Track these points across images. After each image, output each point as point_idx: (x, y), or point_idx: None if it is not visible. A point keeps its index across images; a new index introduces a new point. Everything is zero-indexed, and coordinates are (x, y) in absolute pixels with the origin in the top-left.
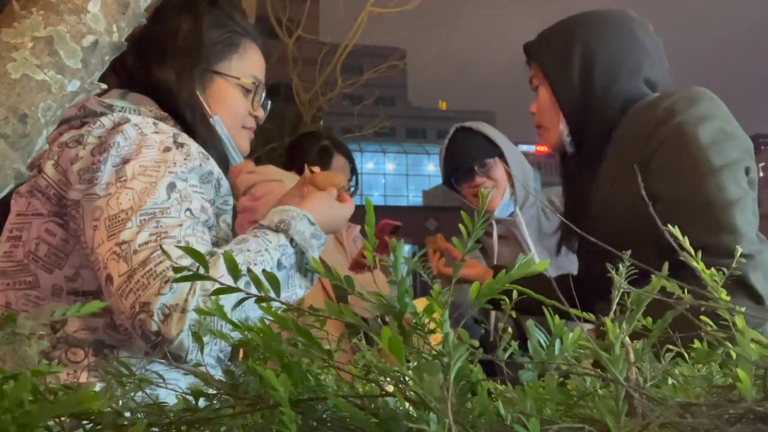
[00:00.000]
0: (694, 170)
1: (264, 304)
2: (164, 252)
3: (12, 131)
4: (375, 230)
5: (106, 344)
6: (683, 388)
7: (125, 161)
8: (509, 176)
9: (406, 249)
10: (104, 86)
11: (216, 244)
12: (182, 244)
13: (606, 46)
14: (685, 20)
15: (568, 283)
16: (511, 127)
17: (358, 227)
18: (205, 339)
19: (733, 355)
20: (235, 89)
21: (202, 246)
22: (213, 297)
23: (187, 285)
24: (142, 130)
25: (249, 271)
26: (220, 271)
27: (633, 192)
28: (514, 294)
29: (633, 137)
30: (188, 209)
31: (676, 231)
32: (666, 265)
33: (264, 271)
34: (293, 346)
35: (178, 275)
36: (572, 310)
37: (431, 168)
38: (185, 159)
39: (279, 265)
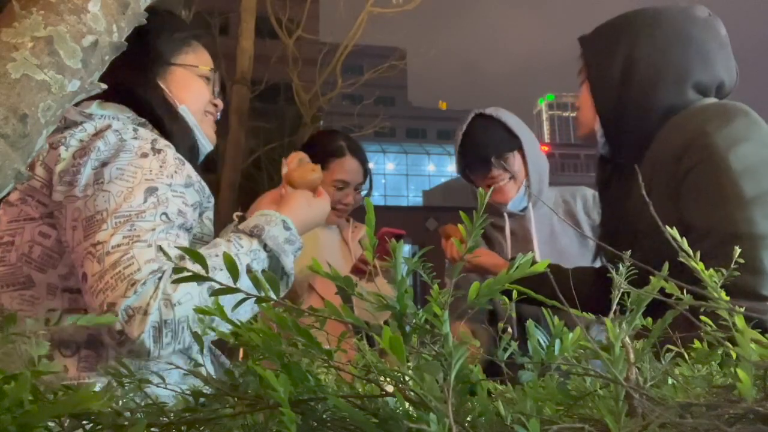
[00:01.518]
0: (724, 201)
1: (263, 304)
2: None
3: (12, 131)
4: (377, 237)
5: (98, 340)
6: (683, 388)
7: (103, 164)
8: (527, 171)
9: (406, 249)
10: (104, 86)
11: (200, 239)
12: (153, 247)
13: (652, 50)
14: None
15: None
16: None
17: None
18: (167, 339)
19: (733, 355)
20: (196, 78)
21: (174, 249)
22: (176, 301)
23: (150, 289)
24: (122, 135)
25: (209, 276)
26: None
27: (665, 216)
28: (514, 294)
29: (665, 154)
30: (164, 213)
31: (697, 260)
32: (666, 266)
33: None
34: (293, 346)
35: (178, 276)
36: (573, 311)
37: (431, 168)
38: (161, 166)
39: (249, 270)
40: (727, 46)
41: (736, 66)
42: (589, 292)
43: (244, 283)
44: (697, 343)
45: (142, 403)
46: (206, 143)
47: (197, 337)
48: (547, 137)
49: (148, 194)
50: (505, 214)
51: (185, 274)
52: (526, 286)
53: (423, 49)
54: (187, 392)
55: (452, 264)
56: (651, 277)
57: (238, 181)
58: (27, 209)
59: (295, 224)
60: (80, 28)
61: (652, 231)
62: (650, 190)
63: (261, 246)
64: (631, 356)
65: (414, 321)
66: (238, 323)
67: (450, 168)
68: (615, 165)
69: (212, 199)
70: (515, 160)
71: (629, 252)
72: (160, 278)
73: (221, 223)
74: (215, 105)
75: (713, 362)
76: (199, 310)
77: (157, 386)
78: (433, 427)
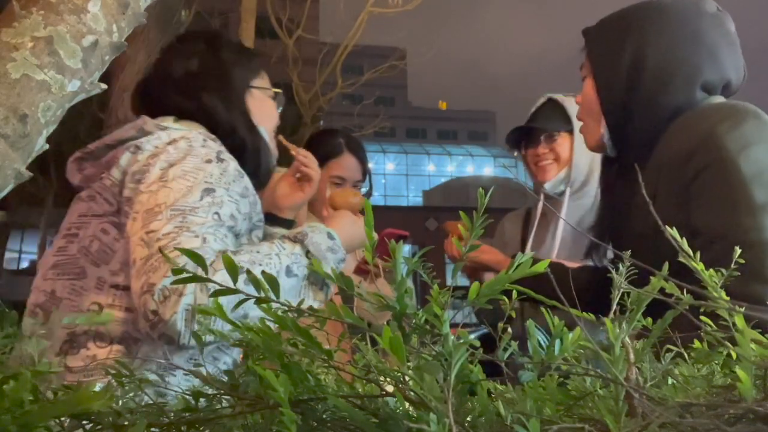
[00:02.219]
0: (734, 207)
1: (264, 305)
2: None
3: (12, 131)
4: (379, 238)
5: (131, 337)
6: (683, 388)
7: (170, 165)
8: (572, 156)
9: (406, 249)
10: (104, 86)
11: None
12: (199, 238)
13: (661, 47)
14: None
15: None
16: (510, 128)
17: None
18: (198, 325)
19: (733, 355)
20: (269, 100)
21: (219, 244)
22: (210, 293)
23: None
24: (191, 143)
25: (248, 271)
26: (222, 264)
27: (672, 219)
28: (514, 294)
29: (674, 154)
30: (216, 213)
31: (698, 261)
32: (666, 266)
33: (263, 272)
34: (293, 346)
35: (178, 277)
36: (573, 311)
37: (431, 168)
38: (221, 173)
39: (288, 271)
40: (736, 43)
41: (743, 63)
42: (584, 291)
43: (282, 282)
44: (697, 343)
45: (142, 403)
46: (274, 162)
47: (197, 337)
48: None
49: (204, 194)
50: (542, 194)
51: (254, 256)
52: (527, 285)
53: (423, 49)
54: (187, 392)
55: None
56: (651, 278)
57: None
58: (95, 206)
59: (340, 239)
60: (80, 28)
61: (655, 233)
62: (656, 192)
63: (303, 251)
64: (631, 356)
65: (414, 321)
66: (251, 324)
67: (450, 168)
68: (620, 165)
69: (262, 219)
70: (563, 142)
71: (629, 252)
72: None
73: None
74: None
75: (713, 362)
76: (199, 311)
77: (166, 387)
78: (433, 427)
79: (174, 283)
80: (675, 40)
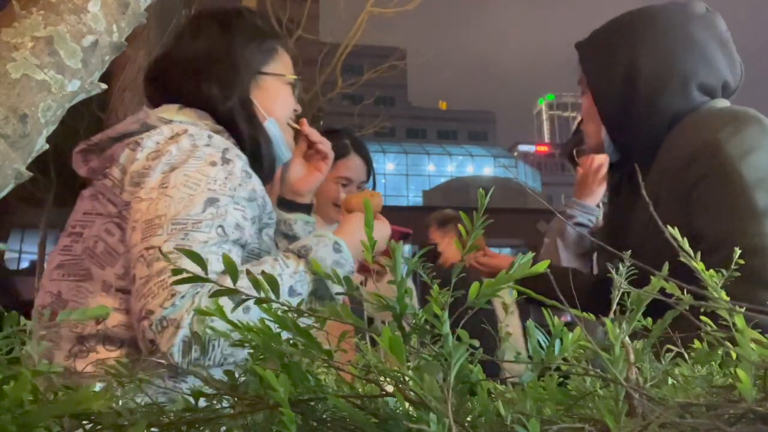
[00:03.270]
0: (736, 213)
1: (265, 307)
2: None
3: (12, 131)
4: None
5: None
6: (683, 388)
7: (172, 169)
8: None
9: (406, 249)
10: (104, 86)
11: (257, 255)
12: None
13: (654, 52)
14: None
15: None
16: (510, 128)
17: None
18: (195, 354)
19: (733, 355)
20: (284, 86)
21: (221, 265)
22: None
23: (187, 302)
24: (195, 141)
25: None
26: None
27: (674, 224)
28: (514, 294)
29: (675, 160)
30: (221, 226)
31: (698, 262)
32: (666, 266)
33: (262, 272)
34: (293, 346)
35: (178, 276)
36: (573, 311)
37: (431, 168)
38: (226, 177)
39: (291, 291)
40: (729, 42)
41: (740, 62)
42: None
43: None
44: (697, 343)
45: (143, 403)
46: (287, 152)
47: (197, 338)
48: (547, 137)
49: (208, 204)
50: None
51: (184, 275)
52: (527, 285)
53: (423, 49)
54: (187, 392)
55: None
56: (651, 278)
57: None
58: (98, 205)
59: (351, 246)
60: (80, 28)
61: (658, 237)
62: (659, 197)
63: (307, 268)
64: (631, 356)
65: (414, 321)
66: (242, 324)
67: (450, 168)
68: (622, 172)
69: (274, 216)
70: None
71: (630, 253)
72: (197, 293)
73: None
74: (295, 110)
75: (713, 362)
76: (200, 311)
77: (158, 386)
78: (433, 427)
79: (174, 282)
80: (666, 45)
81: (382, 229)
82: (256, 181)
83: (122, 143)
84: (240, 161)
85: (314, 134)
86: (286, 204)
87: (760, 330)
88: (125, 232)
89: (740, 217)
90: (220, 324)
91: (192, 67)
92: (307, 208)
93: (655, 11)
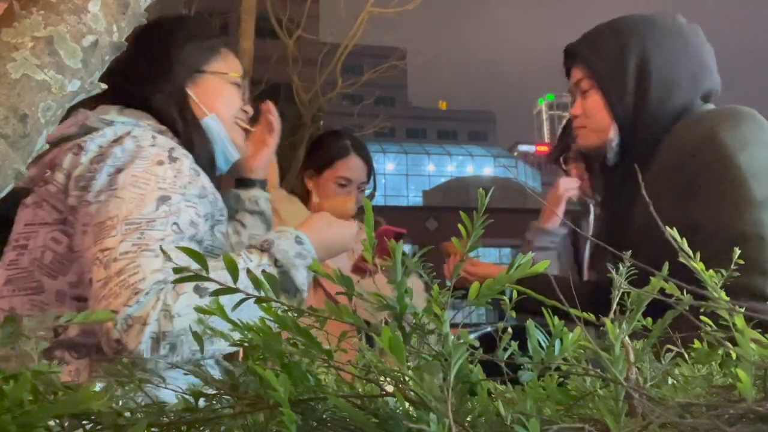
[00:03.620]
0: (734, 202)
1: (263, 306)
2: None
3: (12, 131)
4: (377, 236)
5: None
6: (683, 388)
7: (118, 170)
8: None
9: (406, 249)
10: (104, 86)
11: (210, 252)
12: (160, 258)
13: (662, 54)
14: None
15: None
16: (510, 127)
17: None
18: (164, 351)
19: (733, 355)
20: (227, 85)
21: (181, 261)
22: (176, 313)
23: (152, 299)
24: (140, 142)
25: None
26: (186, 286)
27: (674, 217)
28: (514, 294)
29: (675, 156)
30: (175, 223)
31: (698, 261)
32: (666, 266)
33: (264, 272)
34: (293, 346)
35: (179, 275)
36: (573, 311)
37: (431, 168)
38: (175, 176)
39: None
40: (712, 52)
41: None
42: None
43: (248, 301)
44: (697, 343)
45: (143, 403)
46: (234, 152)
47: (197, 337)
48: (547, 137)
49: (160, 202)
50: (591, 205)
51: (186, 273)
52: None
53: (423, 49)
54: (187, 392)
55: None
56: (651, 278)
57: None
58: (42, 213)
59: (313, 242)
60: (80, 28)
61: (659, 236)
62: (659, 194)
63: (271, 261)
64: (631, 356)
65: (414, 321)
66: (239, 323)
67: (450, 168)
68: (624, 170)
69: (225, 212)
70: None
71: (630, 253)
72: (161, 289)
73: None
74: (245, 112)
75: (713, 362)
76: (199, 310)
77: (158, 386)
78: (433, 427)
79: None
80: (671, 48)
81: (347, 228)
82: (204, 178)
83: (62, 148)
84: (187, 159)
85: (267, 105)
86: (242, 183)
87: (760, 330)
88: (73, 238)
89: (737, 206)
90: (189, 319)
91: (131, 68)
92: (262, 184)
93: (652, 17)
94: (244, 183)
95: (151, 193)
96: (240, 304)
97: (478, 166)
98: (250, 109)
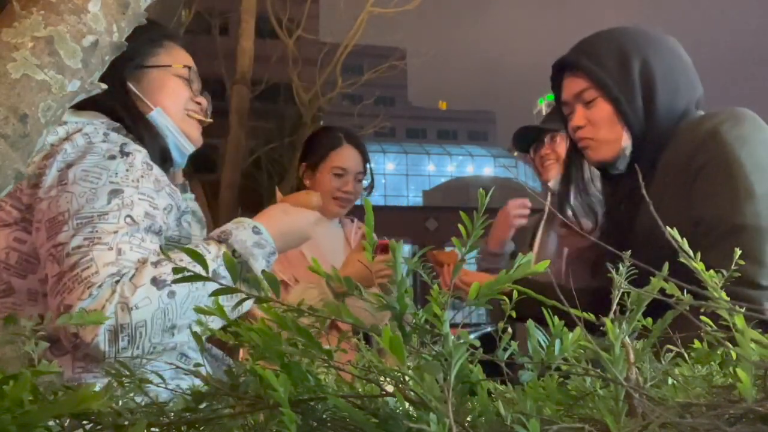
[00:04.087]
0: (734, 194)
1: (264, 305)
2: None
3: (12, 131)
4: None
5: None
6: (683, 388)
7: (68, 166)
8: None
9: (406, 249)
10: (104, 86)
11: (178, 241)
12: (113, 251)
13: (661, 60)
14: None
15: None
16: (510, 128)
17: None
18: (123, 344)
19: (733, 355)
20: (172, 78)
21: (136, 253)
22: (134, 305)
23: (106, 292)
24: (90, 138)
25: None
26: (143, 278)
27: (678, 215)
28: (514, 294)
29: (678, 157)
30: (128, 215)
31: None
32: (666, 266)
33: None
34: (293, 346)
35: (179, 275)
36: (573, 310)
37: (431, 168)
38: (127, 170)
39: (215, 275)
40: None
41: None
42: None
43: (209, 286)
44: (697, 343)
45: (143, 403)
46: (187, 144)
47: (196, 337)
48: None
49: (112, 196)
50: (548, 193)
51: (186, 274)
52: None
53: (423, 49)
54: (187, 392)
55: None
56: (651, 278)
57: (238, 181)
58: (2, 214)
59: (270, 232)
60: (80, 28)
61: (664, 239)
62: (665, 194)
63: (229, 251)
64: (631, 356)
65: (414, 321)
66: (233, 320)
67: (450, 168)
68: (631, 177)
69: (190, 201)
70: (562, 142)
71: (630, 254)
72: (117, 281)
73: (222, 222)
74: (198, 103)
75: (713, 362)
76: (198, 310)
77: (157, 386)
78: (433, 427)
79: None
80: (668, 56)
81: (303, 216)
82: (158, 171)
83: None
84: (140, 154)
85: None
86: None
87: (760, 330)
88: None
89: (736, 198)
90: (147, 311)
91: None
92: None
93: (641, 29)
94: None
95: (102, 187)
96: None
97: (478, 166)
98: (203, 100)
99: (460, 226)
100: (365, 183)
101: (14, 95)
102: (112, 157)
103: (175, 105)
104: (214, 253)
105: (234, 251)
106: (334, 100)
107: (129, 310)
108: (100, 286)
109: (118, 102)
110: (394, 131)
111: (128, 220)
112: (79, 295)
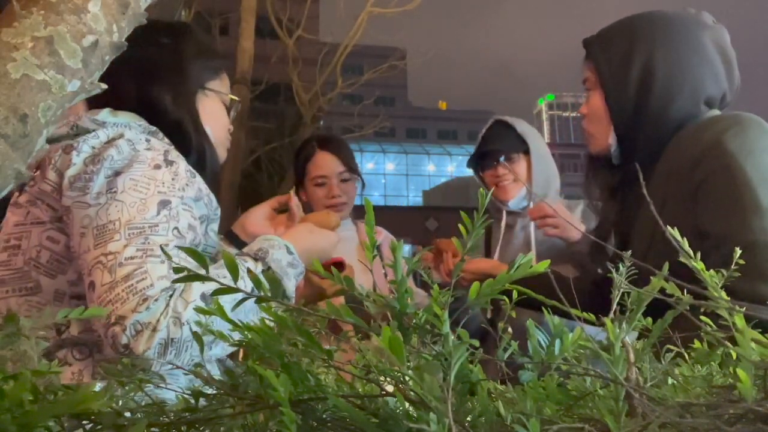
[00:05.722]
0: (741, 209)
1: (264, 305)
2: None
3: (12, 131)
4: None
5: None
6: (683, 388)
7: (117, 174)
8: (530, 175)
9: (406, 249)
10: (104, 86)
11: (204, 251)
12: (165, 264)
13: (669, 59)
14: None
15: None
16: None
17: (383, 231)
18: (170, 356)
19: (733, 355)
20: (221, 105)
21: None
22: (185, 320)
23: (161, 306)
24: (135, 145)
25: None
26: (193, 294)
27: (680, 226)
28: (514, 294)
29: (681, 162)
30: (176, 228)
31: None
32: (666, 266)
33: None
34: (293, 346)
35: (179, 275)
36: (573, 310)
37: (431, 168)
38: (173, 179)
39: (253, 291)
40: (732, 55)
41: (738, 75)
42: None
43: (247, 303)
44: (697, 343)
45: (143, 403)
46: (217, 164)
47: (197, 337)
48: (547, 137)
49: (161, 207)
50: (504, 211)
51: (185, 274)
52: (524, 286)
53: (423, 49)
54: (187, 392)
55: (443, 278)
56: (652, 278)
57: (238, 181)
58: (36, 212)
59: (298, 250)
60: (80, 28)
61: (664, 240)
62: (665, 199)
63: (265, 269)
64: (631, 356)
65: (414, 321)
66: (240, 323)
67: (450, 168)
68: (625, 173)
69: (219, 212)
70: (521, 163)
71: (630, 253)
72: (171, 296)
73: (222, 222)
74: (229, 130)
75: (713, 362)
76: (199, 310)
77: (166, 387)
78: (433, 427)
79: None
80: (680, 53)
81: (328, 236)
82: (200, 180)
83: (55, 147)
84: (182, 162)
85: (290, 196)
86: (229, 236)
87: (760, 330)
88: (70, 238)
89: (744, 213)
90: (195, 328)
91: (140, 72)
92: (243, 246)
93: (670, 17)
94: (230, 237)
95: (152, 198)
96: (240, 303)
97: None
98: (231, 128)
99: (460, 226)
100: (358, 184)
101: (14, 95)
102: (158, 167)
103: (221, 131)
104: (251, 268)
105: (269, 269)
106: (334, 100)
107: (181, 325)
108: (156, 300)
109: (189, 119)
110: (394, 131)
111: (176, 232)
112: (134, 307)
